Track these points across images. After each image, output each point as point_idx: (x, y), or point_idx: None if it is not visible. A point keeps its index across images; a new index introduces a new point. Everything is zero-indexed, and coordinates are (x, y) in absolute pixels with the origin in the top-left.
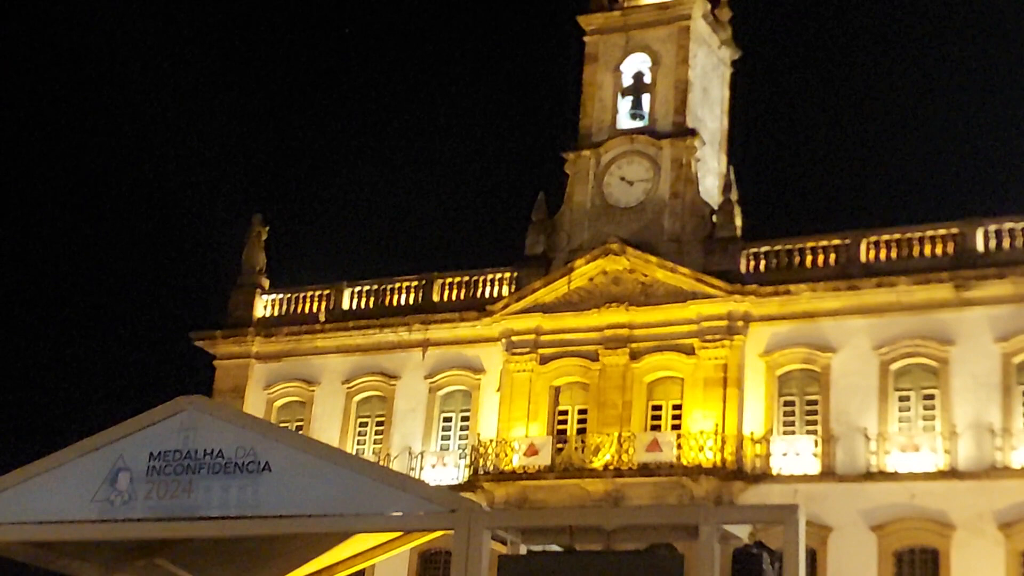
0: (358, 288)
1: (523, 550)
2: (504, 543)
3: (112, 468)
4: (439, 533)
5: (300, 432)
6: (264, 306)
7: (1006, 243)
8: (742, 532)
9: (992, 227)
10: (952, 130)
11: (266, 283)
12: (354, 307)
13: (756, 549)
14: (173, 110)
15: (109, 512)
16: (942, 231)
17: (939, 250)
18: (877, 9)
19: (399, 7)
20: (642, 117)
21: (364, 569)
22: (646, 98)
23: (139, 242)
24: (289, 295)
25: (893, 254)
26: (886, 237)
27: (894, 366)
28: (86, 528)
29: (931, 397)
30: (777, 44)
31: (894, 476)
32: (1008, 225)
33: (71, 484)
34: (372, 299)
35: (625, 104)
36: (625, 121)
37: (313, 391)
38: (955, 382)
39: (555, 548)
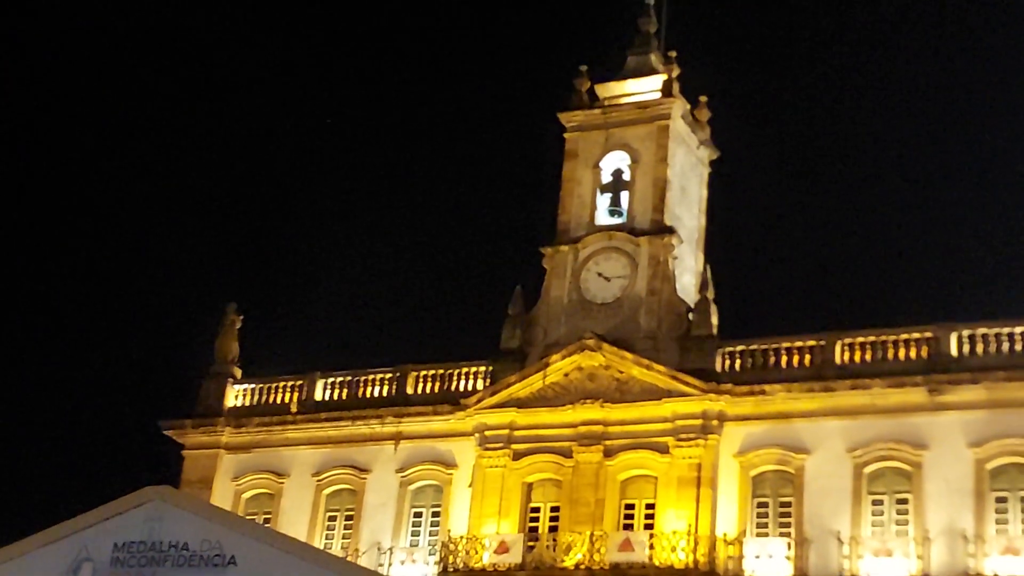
0: (331, 379)
1: None
2: None
3: (75, 558)
4: None
5: (268, 525)
6: (235, 396)
7: (980, 348)
8: None
9: (966, 332)
10: (929, 234)
11: (238, 373)
12: (326, 398)
13: None
14: (149, 196)
15: None
16: (916, 335)
17: (913, 354)
18: (852, 113)
19: (379, 99)
20: (620, 214)
21: None
22: (625, 195)
23: (111, 328)
24: (261, 385)
25: (868, 356)
26: (861, 339)
27: (868, 469)
28: None
29: (904, 501)
30: (754, 145)
31: None
32: (982, 331)
33: (33, 574)
34: (345, 391)
35: (604, 200)
36: (603, 217)
37: (282, 483)
38: (928, 487)
39: None
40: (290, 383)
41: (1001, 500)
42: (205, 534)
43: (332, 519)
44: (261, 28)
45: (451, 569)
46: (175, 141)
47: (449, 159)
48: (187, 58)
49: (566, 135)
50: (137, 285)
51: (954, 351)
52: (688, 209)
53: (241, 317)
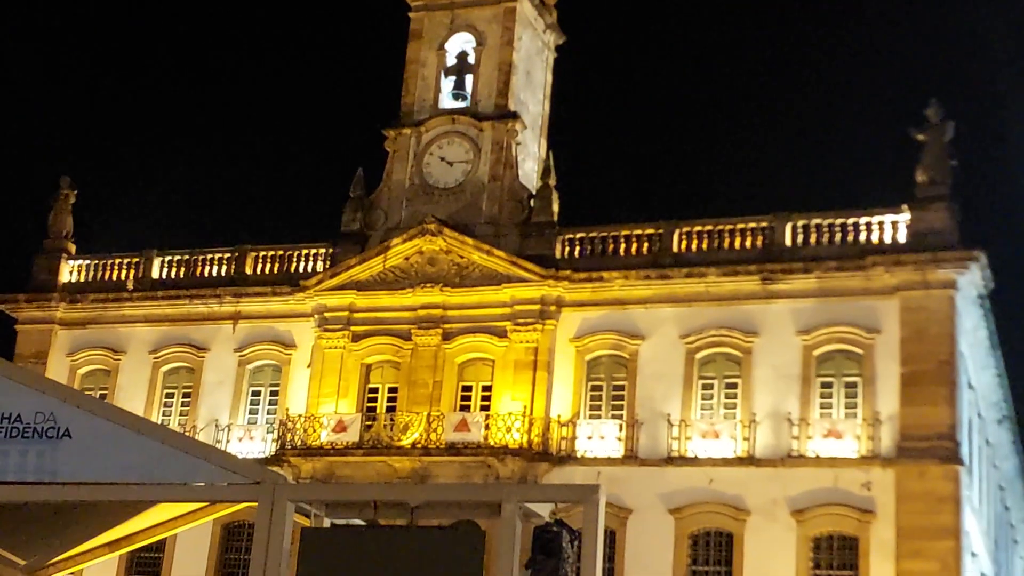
0: (168, 257)
1: (327, 524)
2: (308, 516)
3: None
4: (243, 505)
5: (104, 401)
6: (70, 271)
7: (813, 238)
8: (544, 511)
9: (800, 222)
10: (766, 125)
11: (72, 248)
12: (164, 276)
13: (556, 527)
14: None
15: None
16: (752, 224)
17: (748, 243)
18: (697, 2)
19: None
20: (465, 98)
21: (166, 539)
22: (469, 79)
23: None
24: (96, 261)
25: (704, 245)
26: (698, 228)
27: (699, 355)
28: None
29: (733, 386)
30: (600, 31)
31: (694, 461)
32: (815, 221)
33: None
34: (183, 269)
35: (448, 84)
36: (447, 101)
37: (119, 360)
38: (757, 372)
39: (359, 523)
40: (126, 260)
41: (826, 385)
42: (38, 406)
43: (170, 396)
44: None
45: (288, 446)
46: (5, 5)
47: (292, 36)
48: None
49: (411, 15)
50: None
51: (788, 241)
52: (533, 94)
53: (75, 192)
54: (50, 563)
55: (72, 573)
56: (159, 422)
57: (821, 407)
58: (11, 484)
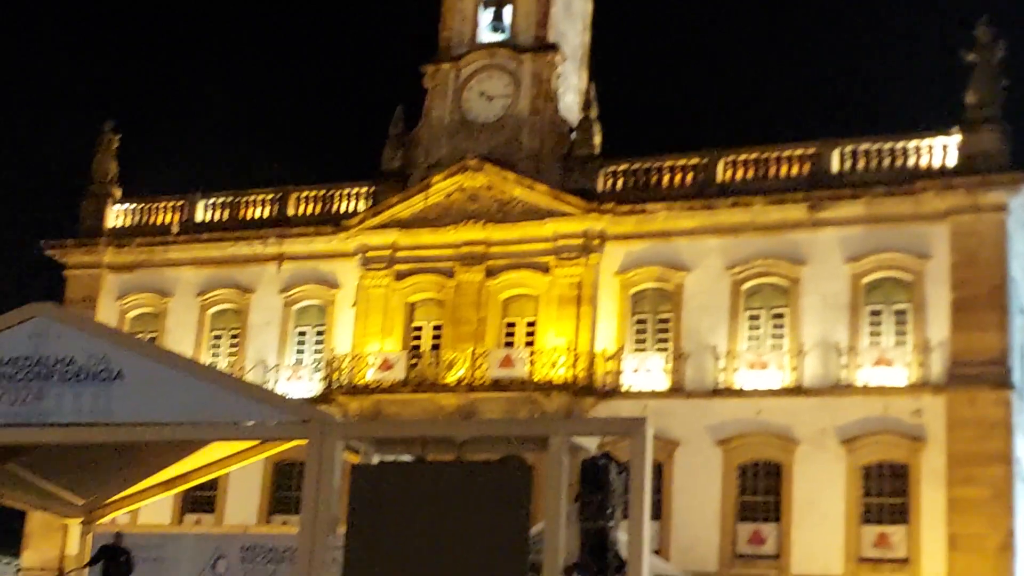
0: (212, 200)
1: (376, 460)
2: (357, 453)
3: None
4: (293, 443)
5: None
6: (116, 216)
7: (861, 164)
8: (591, 444)
9: (848, 148)
10: (815, 49)
11: (118, 192)
12: (208, 219)
13: (603, 460)
14: (24, 11)
15: None
16: (799, 151)
17: (795, 171)
18: None
19: None
20: (503, 30)
21: (219, 478)
22: (508, 10)
23: None
24: (141, 205)
25: (749, 174)
26: (743, 157)
27: (745, 286)
28: None
29: (780, 316)
30: None
31: (741, 393)
32: (864, 146)
33: None
34: (227, 211)
35: (486, 16)
36: (486, 34)
37: (167, 303)
38: (804, 301)
39: (407, 458)
40: (171, 203)
41: (876, 313)
42: (91, 349)
43: (217, 338)
44: None
45: (335, 386)
46: None
47: None
48: None
49: None
50: (11, 105)
51: (835, 167)
52: (572, 25)
53: (119, 136)
54: (108, 502)
55: (129, 511)
56: (208, 363)
57: (870, 335)
58: (68, 426)
